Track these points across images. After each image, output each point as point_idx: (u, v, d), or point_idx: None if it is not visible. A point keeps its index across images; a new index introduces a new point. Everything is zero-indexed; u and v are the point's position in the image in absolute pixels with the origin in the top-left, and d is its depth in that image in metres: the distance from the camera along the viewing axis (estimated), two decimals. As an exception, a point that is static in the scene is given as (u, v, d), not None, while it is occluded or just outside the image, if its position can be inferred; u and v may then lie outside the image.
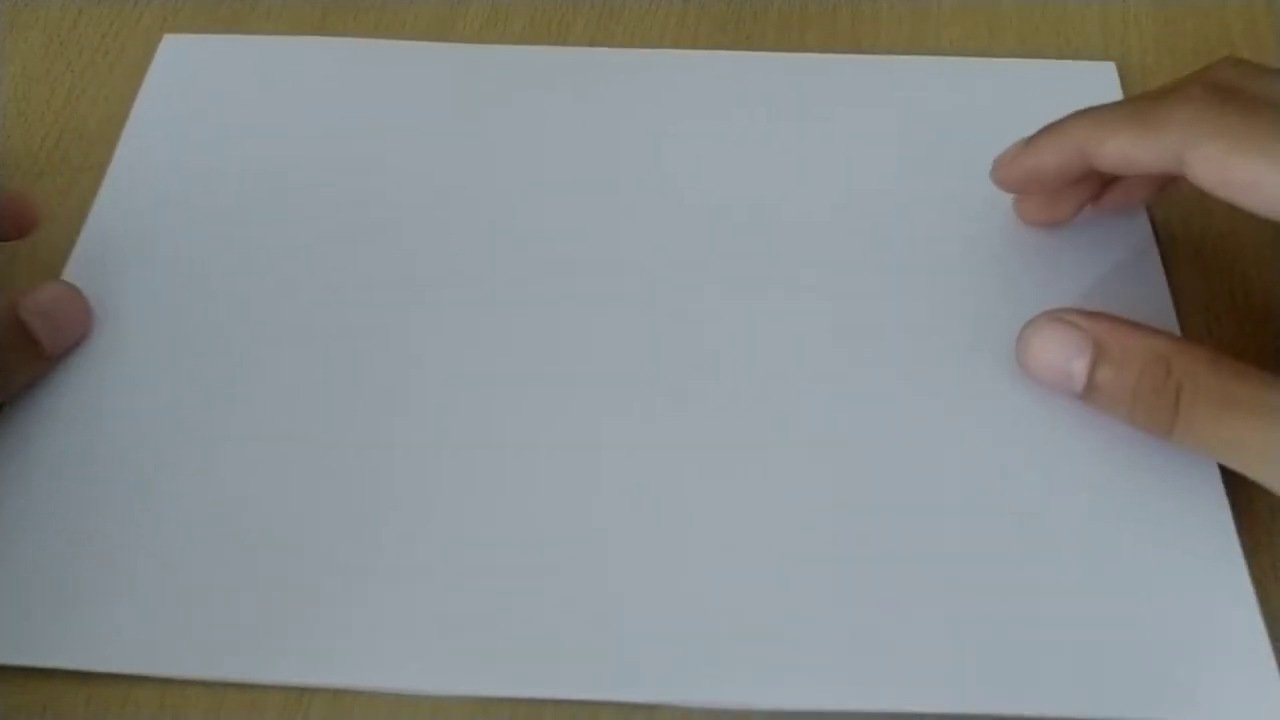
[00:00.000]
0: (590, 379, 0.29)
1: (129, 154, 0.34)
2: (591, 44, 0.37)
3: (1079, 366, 0.26)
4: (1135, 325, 0.26)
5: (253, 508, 0.28)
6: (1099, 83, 0.35)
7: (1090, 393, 0.26)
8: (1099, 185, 0.30)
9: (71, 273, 0.32)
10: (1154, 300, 0.30)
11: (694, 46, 0.37)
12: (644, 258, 0.32)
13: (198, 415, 0.29)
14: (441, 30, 0.37)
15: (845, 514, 0.27)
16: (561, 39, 0.37)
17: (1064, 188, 0.29)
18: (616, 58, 0.36)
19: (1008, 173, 0.29)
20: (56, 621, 0.26)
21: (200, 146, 0.34)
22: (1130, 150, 0.26)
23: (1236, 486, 0.27)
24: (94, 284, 0.31)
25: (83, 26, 0.38)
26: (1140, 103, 0.26)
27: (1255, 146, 0.23)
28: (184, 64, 0.36)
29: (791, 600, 0.26)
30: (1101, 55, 0.36)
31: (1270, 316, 0.30)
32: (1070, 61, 0.35)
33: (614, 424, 0.29)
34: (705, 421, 0.29)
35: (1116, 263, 0.31)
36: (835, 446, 0.28)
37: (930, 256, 0.31)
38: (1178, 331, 0.30)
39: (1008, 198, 0.31)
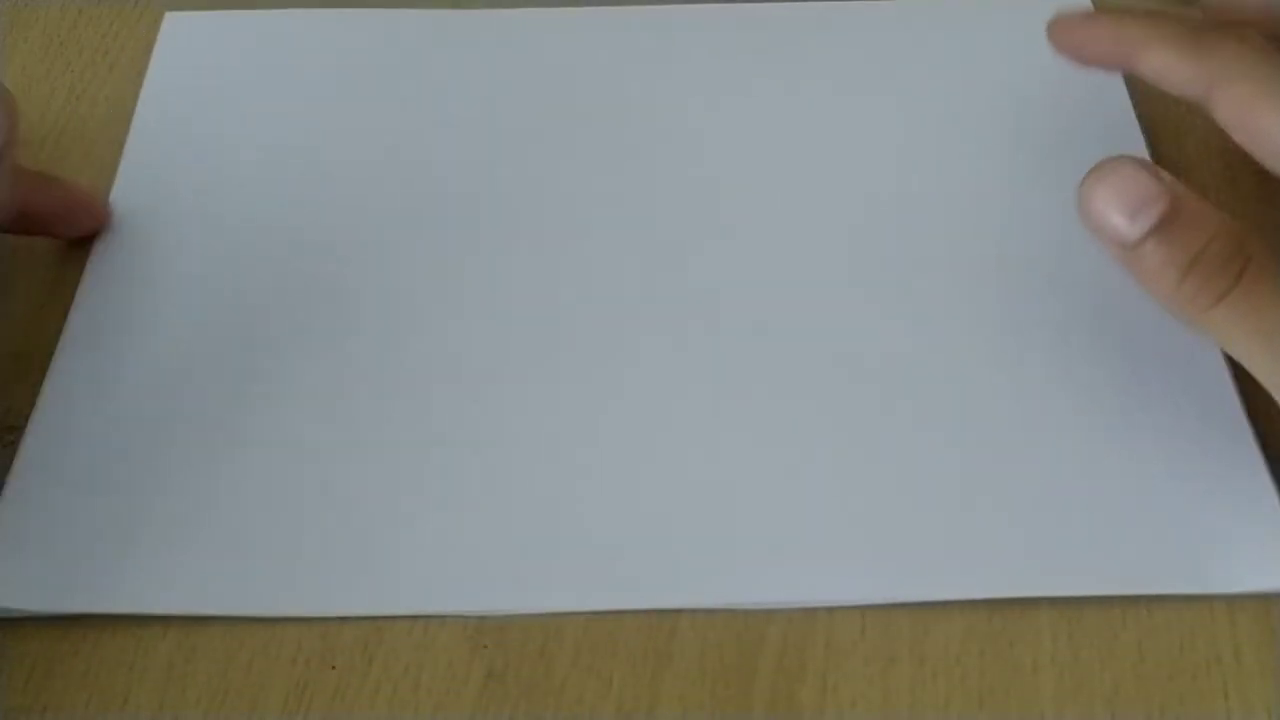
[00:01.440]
0: (608, 308, 0.31)
1: (142, 134, 0.35)
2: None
3: (1146, 216, 0.24)
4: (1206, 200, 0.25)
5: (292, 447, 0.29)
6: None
7: (1139, 248, 0.25)
8: None
9: (98, 251, 0.32)
10: None
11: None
12: (652, 195, 0.33)
13: (231, 364, 0.30)
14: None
15: (850, 404, 0.29)
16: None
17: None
18: (623, 16, 0.37)
19: (1059, 38, 0.30)
20: (107, 568, 0.27)
21: (212, 122, 0.35)
22: (1169, 67, 0.27)
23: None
24: (126, 252, 0.32)
25: (83, 27, 0.38)
26: (1196, 28, 0.27)
27: (1278, 97, 0.24)
28: (189, 41, 0.37)
29: (806, 499, 0.27)
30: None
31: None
32: None
33: (628, 350, 0.30)
34: (711, 350, 0.30)
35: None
36: (845, 342, 0.30)
37: (934, 191, 0.33)
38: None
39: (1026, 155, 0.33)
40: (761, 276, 0.31)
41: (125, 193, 0.33)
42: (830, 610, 0.26)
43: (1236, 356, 0.26)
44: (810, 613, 0.26)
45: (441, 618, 0.26)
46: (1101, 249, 0.25)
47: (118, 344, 0.30)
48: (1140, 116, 0.34)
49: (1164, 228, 0.24)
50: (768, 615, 0.26)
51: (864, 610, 0.26)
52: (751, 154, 0.33)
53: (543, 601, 0.26)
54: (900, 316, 0.30)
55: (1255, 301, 0.24)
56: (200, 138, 0.35)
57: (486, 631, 0.26)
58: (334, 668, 0.26)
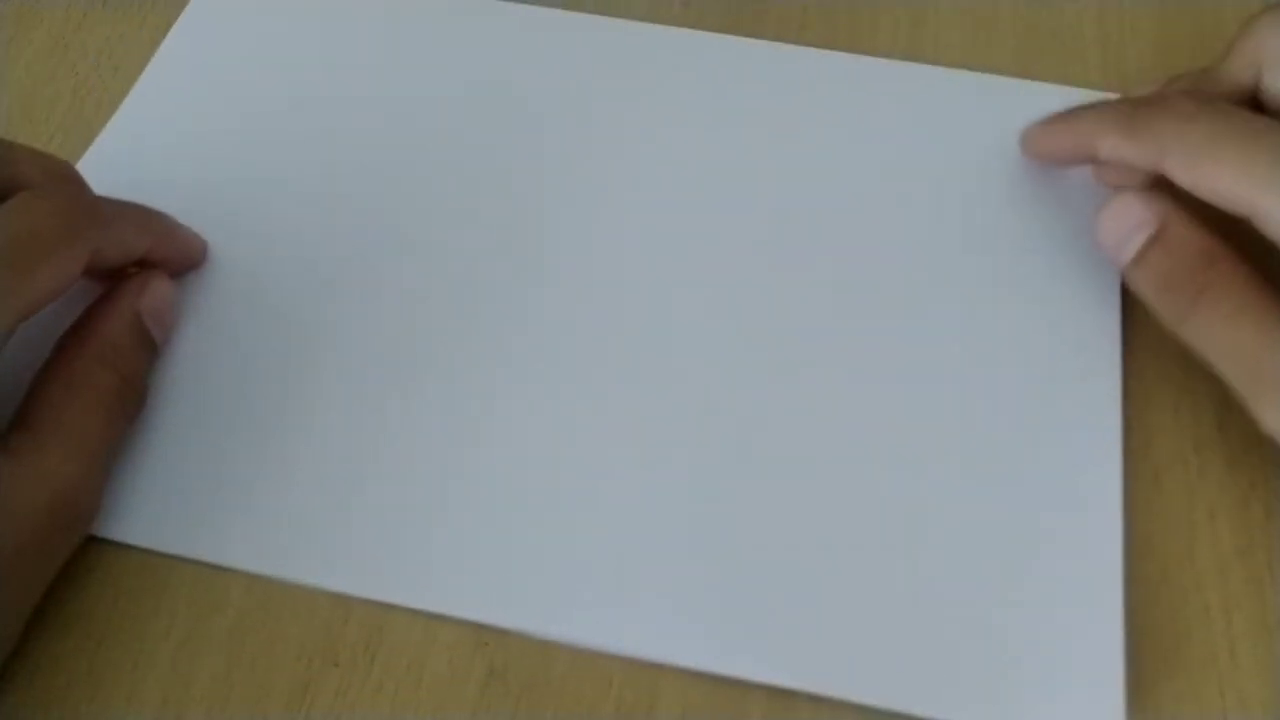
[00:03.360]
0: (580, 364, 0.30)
1: (143, 97, 0.36)
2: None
3: (1133, 242, 0.28)
4: (1196, 222, 0.28)
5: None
6: None
7: (1130, 270, 0.28)
8: None
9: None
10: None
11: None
12: (632, 231, 0.32)
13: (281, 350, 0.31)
14: None
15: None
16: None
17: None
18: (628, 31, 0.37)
19: (1030, 150, 0.33)
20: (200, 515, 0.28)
21: (222, 92, 0.36)
22: (1120, 150, 0.29)
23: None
24: None
25: (87, 29, 0.38)
26: (1131, 106, 0.29)
27: (1216, 153, 0.27)
28: (214, 17, 0.37)
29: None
30: (1099, 54, 0.36)
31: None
32: (1077, 90, 0.34)
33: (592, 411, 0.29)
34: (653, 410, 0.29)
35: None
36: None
37: (914, 248, 0.32)
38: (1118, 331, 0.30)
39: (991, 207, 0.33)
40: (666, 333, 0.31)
41: (96, 164, 0.34)
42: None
43: (1213, 367, 0.26)
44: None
45: (443, 616, 0.27)
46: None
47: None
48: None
49: (1144, 251, 0.28)
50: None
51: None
52: (705, 205, 0.33)
53: (545, 627, 0.26)
54: (804, 401, 0.29)
55: (1220, 314, 0.26)
56: (203, 110, 0.35)
57: (488, 630, 0.27)
58: (336, 665, 0.26)
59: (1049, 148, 0.32)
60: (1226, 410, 0.29)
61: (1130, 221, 0.28)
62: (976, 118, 0.34)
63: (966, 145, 0.33)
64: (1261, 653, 0.26)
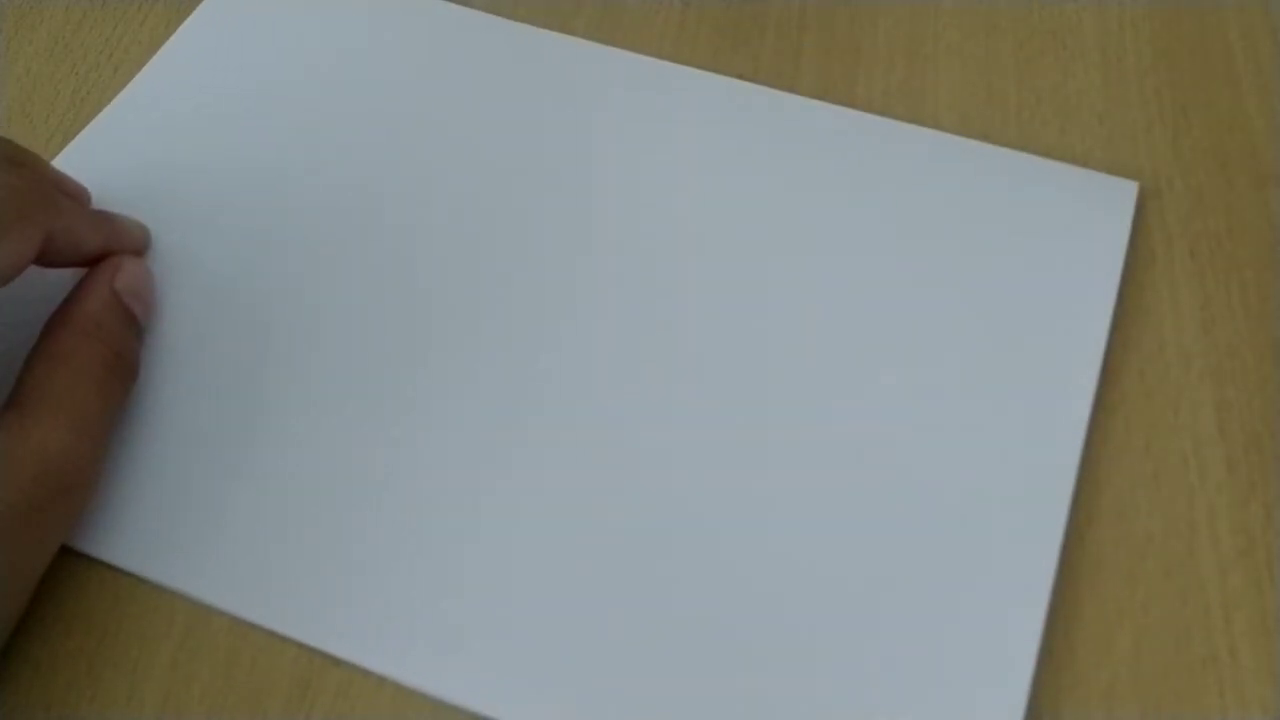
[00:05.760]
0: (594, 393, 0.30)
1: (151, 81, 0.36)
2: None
3: None
4: None
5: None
6: (1115, 200, 0.32)
7: None
8: None
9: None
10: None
11: (694, 46, 0.37)
12: (618, 265, 0.32)
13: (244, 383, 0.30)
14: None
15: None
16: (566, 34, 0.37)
17: None
18: (622, 61, 0.36)
19: None
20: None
21: (224, 90, 0.36)
22: None
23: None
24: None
25: (87, 29, 0.38)
26: None
27: None
28: (226, 15, 0.37)
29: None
30: (1099, 54, 0.36)
31: (1268, 316, 0.31)
32: (1092, 172, 0.33)
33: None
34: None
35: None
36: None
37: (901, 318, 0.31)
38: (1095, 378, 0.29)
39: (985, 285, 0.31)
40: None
41: (82, 151, 0.34)
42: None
43: None
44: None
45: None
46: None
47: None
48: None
49: None
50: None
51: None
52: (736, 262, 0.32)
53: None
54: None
55: None
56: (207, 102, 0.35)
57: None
58: (337, 664, 0.26)
59: None
60: (1226, 410, 0.29)
61: None
62: (973, 186, 0.33)
63: (959, 211, 0.32)
64: (1261, 653, 0.26)
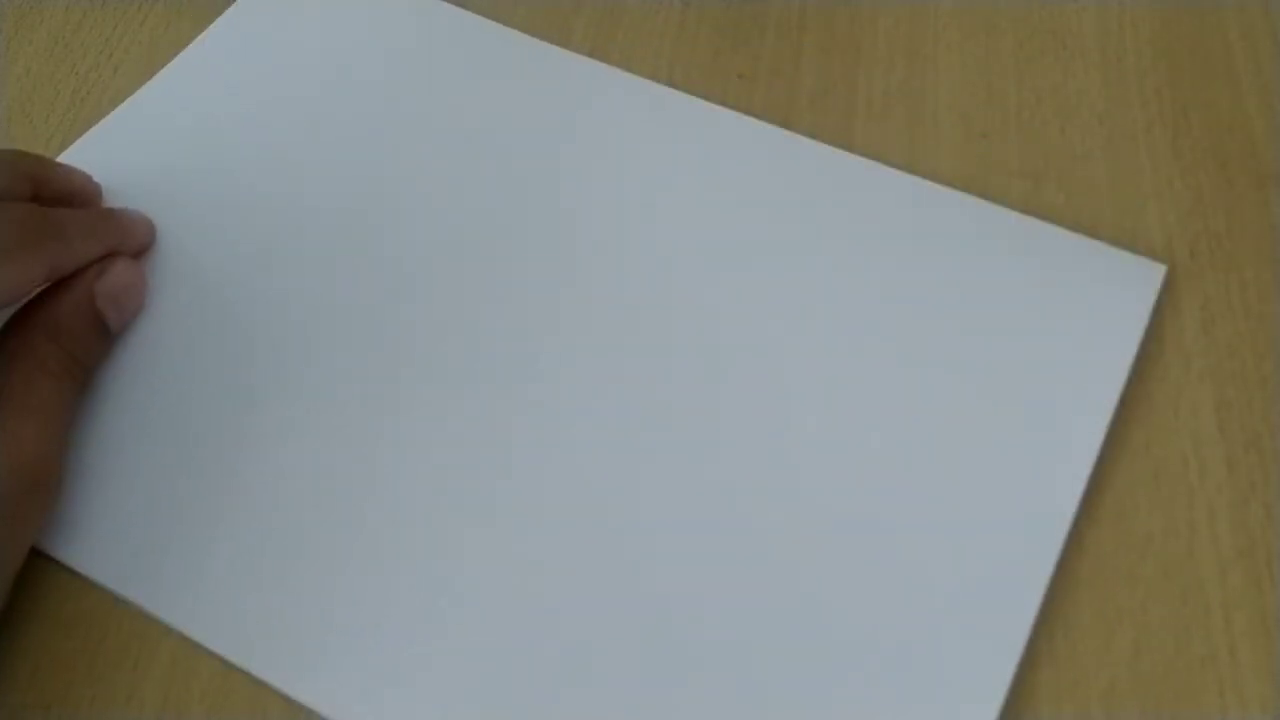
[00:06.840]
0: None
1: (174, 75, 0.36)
2: (592, 46, 0.37)
3: None
4: None
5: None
6: (1140, 280, 0.31)
7: None
8: None
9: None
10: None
11: (694, 46, 0.37)
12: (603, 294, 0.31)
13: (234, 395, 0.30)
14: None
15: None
16: (564, 40, 0.37)
17: None
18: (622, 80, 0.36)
19: None
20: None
21: (246, 94, 0.36)
22: None
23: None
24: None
25: (87, 29, 0.38)
26: None
27: None
28: (255, 17, 0.38)
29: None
30: (1099, 54, 0.36)
31: (1268, 316, 0.31)
32: (1116, 251, 0.31)
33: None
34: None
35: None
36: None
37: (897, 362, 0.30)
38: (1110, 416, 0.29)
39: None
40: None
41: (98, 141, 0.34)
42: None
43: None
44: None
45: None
46: None
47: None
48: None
49: None
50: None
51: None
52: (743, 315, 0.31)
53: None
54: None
55: None
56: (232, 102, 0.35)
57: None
58: (336, 665, 0.26)
59: None
60: (1226, 410, 0.29)
61: None
62: (971, 241, 0.32)
63: (957, 265, 0.32)
64: (1261, 653, 0.26)
